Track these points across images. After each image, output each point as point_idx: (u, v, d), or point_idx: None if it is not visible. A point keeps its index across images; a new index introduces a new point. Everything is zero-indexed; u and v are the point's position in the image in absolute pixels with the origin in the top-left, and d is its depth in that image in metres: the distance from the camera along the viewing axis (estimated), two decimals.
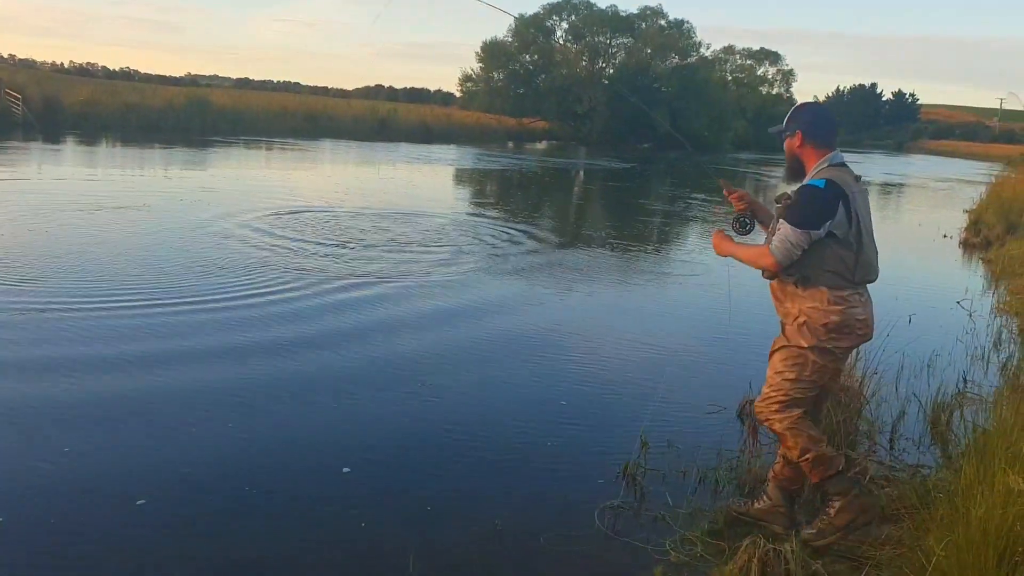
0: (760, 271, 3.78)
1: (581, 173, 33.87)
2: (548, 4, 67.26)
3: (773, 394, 3.76)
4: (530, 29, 65.88)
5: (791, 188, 3.79)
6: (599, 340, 7.47)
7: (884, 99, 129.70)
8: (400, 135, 43.19)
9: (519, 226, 14.31)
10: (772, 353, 3.85)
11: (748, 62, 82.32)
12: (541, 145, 56.10)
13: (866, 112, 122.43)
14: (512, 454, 4.80)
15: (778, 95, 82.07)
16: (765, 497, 4.01)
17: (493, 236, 13.02)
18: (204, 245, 10.44)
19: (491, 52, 66.17)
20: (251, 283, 8.48)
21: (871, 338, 3.79)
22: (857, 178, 3.70)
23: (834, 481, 3.72)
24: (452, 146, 40.48)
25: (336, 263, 9.83)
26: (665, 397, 5.83)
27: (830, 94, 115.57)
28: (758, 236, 3.96)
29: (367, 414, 5.30)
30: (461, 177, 26.87)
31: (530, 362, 6.66)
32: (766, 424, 3.87)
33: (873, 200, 27.27)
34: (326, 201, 15.80)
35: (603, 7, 66.37)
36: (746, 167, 43.23)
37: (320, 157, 29.99)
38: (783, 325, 3.80)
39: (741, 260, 3.88)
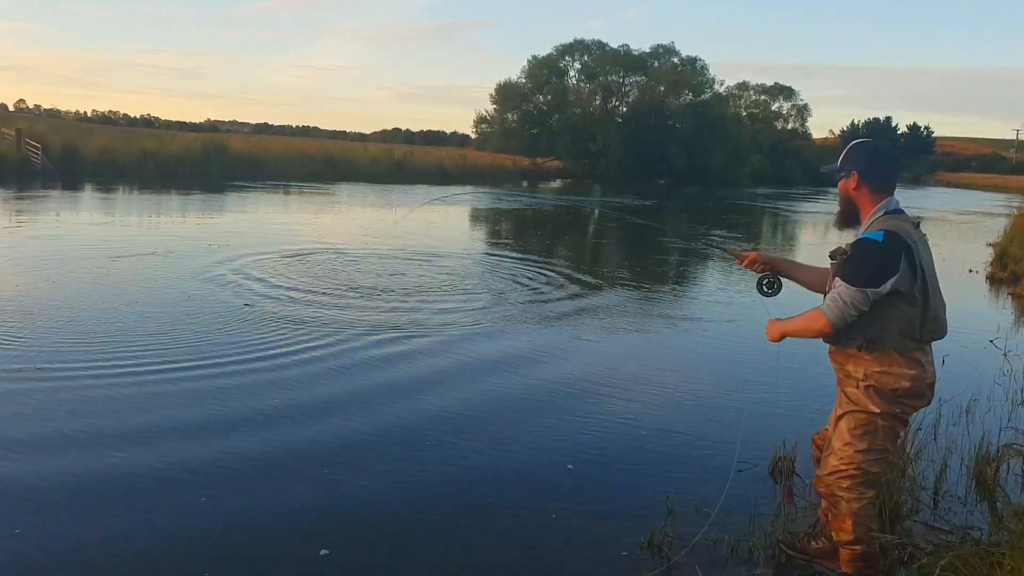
0: (818, 338, 3.46)
1: (596, 211, 33.68)
2: (560, 45, 67.91)
3: (843, 468, 3.46)
4: (543, 70, 66.39)
5: (846, 240, 3.49)
6: (621, 392, 7.09)
7: (899, 132, 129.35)
8: (417, 177, 43.27)
9: (535, 268, 14.02)
10: (838, 419, 3.53)
11: (762, 97, 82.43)
12: (556, 184, 56.08)
13: None
14: (527, 522, 4.45)
15: (793, 130, 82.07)
16: (823, 538, 3.75)
17: (511, 278, 12.73)
18: (223, 295, 10.20)
19: (505, 93, 66.64)
20: (273, 339, 8.10)
21: (931, 402, 3.51)
22: (916, 225, 3.41)
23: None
24: (468, 187, 40.41)
25: (354, 312, 9.51)
26: (690, 453, 5.52)
27: (845, 128, 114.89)
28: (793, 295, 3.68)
29: (363, 484, 4.92)
30: (478, 217, 26.73)
31: (548, 418, 6.29)
32: (829, 500, 3.56)
33: None
34: (346, 243, 15.70)
35: (615, 47, 66.88)
36: (764, 202, 42.91)
37: (338, 200, 29.96)
38: (843, 386, 3.49)
39: (795, 335, 3.54)
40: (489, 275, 13.16)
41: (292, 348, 7.81)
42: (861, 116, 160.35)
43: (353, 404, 6.35)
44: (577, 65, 68.07)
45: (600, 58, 66.50)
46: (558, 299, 11.34)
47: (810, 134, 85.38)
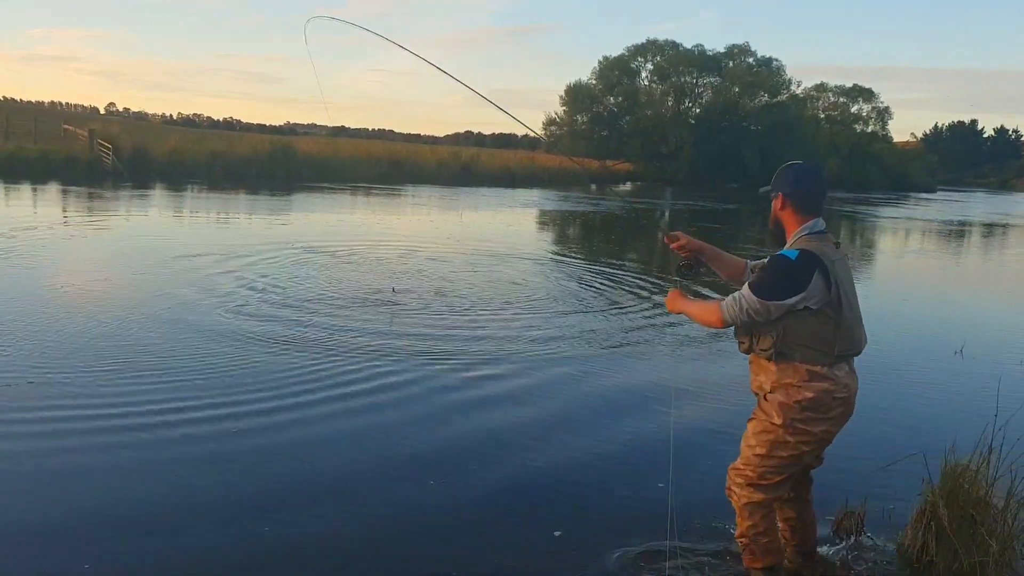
0: (708, 327, 3.70)
1: (667, 214, 32.95)
2: (633, 46, 67.02)
3: (742, 468, 3.62)
4: (614, 71, 65.68)
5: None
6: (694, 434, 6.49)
7: (985, 135, 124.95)
8: (483, 180, 42.98)
9: (603, 277, 13.46)
10: (748, 421, 3.68)
11: (841, 99, 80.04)
12: (625, 187, 55.27)
13: (966, 150, 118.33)
14: None
15: (873, 133, 79.59)
16: None
17: (579, 288, 12.21)
18: (300, 299, 9.88)
19: (574, 95, 66.14)
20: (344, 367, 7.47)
21: (850, 416, 3.52)
22: (837, 245, 3.52)
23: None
24: (535, 190, 39.98)
25: (415, 334, 9.09)
26: None
27: (928, 131, 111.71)
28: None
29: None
30: (544, 220, 26.28)
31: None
32: (728, 494, 3.71)
33: (974, 242, 25.60)
34: (418, 242, 15.33)
35: (689, 47, 65.73)
36: (840, 206, 41.45)
37: (403, 202, 29.84)
38: (757, 394, 3.62)
39: (691, 317, 3.73)
40: (564, 281, 12.67)
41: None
42: (945, 119, 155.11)
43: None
44: (649, 66, 67.20)
45: (673, 59, 65.46)
46: (638, 311, 10.74)
47: (891, 137, 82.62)
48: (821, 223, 3.51)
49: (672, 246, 3.89)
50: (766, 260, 3.55)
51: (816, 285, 3.31)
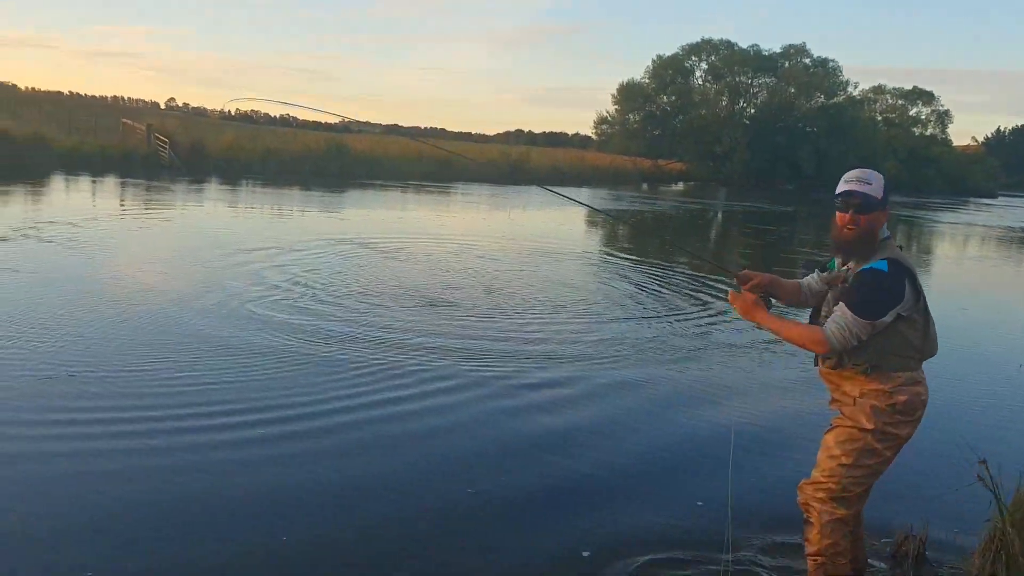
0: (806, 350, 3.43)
1: (720, 215, 32.59)
2: (687, 45, 66.40)
3: (824, 480, 3.44)
4: (668, 70, 65.13)
5: (844, 266, 3.47)
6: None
7: None
8: (532, 178, 42.86)
9: (655, 280, 13.29)
10: (827, 432, 3.51)
11: (900, 102, 78.67)
12: (677, 187, 54.79)
13: None
14: None
15: (932, 136, 78.00)
16: None
17: (635, 291, 12.08)
18: (349, 295, 9.88)
19: (627, 94, 65.79)
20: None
21: None
22: (900, 248, 3.40)
23: None
24: (584, 189, 39.76)
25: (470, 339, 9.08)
26: None
27: (989, 135, 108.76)
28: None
29: None
30: (594, 220, 26.08)
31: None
32: (804, 509, 3.53)
33: None
34: (461, 242, 15.32)
35: (744, 47, 64.93)
36: (898, 210, 40.57)
37: (453, 199, 29.91)
38: (838, 403, 3.49)
39: (780, 336, 3.50)
40: (616, 282, 12.54)
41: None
42: (1008, 122, 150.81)
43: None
44: (704, 65, 66.56)
45: (728, 58, 64.73)
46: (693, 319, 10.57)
47: (950, 141, 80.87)
48: (886, 229, 3.42)
49: (743, 288, 3.67)
50: (843, 275, 3.41)
51: (907, 294, 3.25)
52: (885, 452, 3.38)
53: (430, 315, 9.10)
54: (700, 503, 4.71)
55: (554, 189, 5.01)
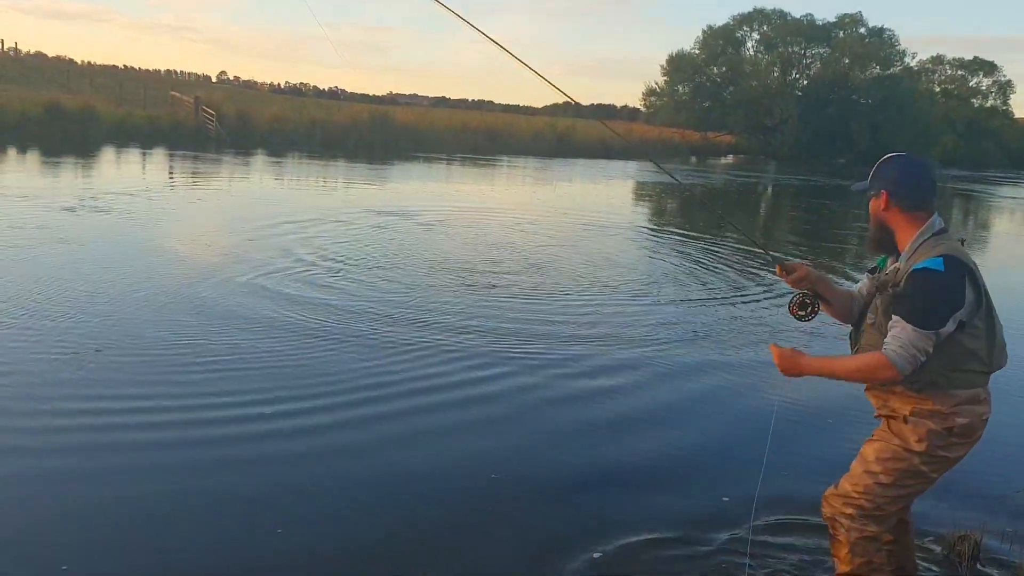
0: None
1: (770, 189, 31.98)
2: (739, 15, 64.94)
3: (855, 495, 3.04)
4: (718, 40, 63.89)
5: (892, 265, 3.00)
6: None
7: None
8: (578, 151, 42.41)
9: (707, 257, 12.98)
10: (867, 442, 3.10)
11: (959, 72, 76.19)
12: (727, 160, 53.90)
13: None
14: None
15: (993, 107, 75.58)
16: None
17: (693, 267, 11.82)
18: (389, 269, 9.79)
19: (676, 65, 64.64)
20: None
21: None
22: (962, 242, 2.96)
23: None
24: (631, 162, 39.25)
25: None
26: None
27: None
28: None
29: None
30: (641, 193, 25.73)
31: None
32: (830, 523, 3.16)
33: None
34: (507, 216, 15.14)
35: (798, 16, 63.35)
36: (955, 184, 39.45)
37: (498, 172, 29.71)
38: (885, 416, 3.05)
39: (839, 378, 3.04)
40: (667, 259, 12.29)
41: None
42: None
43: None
44: (755, 36, 65.07)
45: (780, 28, 63.18)
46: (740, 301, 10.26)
47: (1012, 112, 78.20)
48: (940, 220, 2.96)
49: (786, 280, 3.22)
50: (890, 277, 2.95)
51: (968, 296, 2.79)
52: (931, 475, 2.99)
53: (478, 294, 8.95)
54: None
55: (661, 165, 4.75)
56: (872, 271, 3.15)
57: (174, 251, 10.13)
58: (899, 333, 2.79)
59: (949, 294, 2.77)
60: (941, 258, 2.78)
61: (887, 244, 3.05)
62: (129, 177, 18.75)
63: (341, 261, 9.99)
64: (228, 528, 3.79)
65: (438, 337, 6.96)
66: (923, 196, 2.95)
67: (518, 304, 8.46)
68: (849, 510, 3.06)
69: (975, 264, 2.85)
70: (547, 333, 7.40)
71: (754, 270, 11.36)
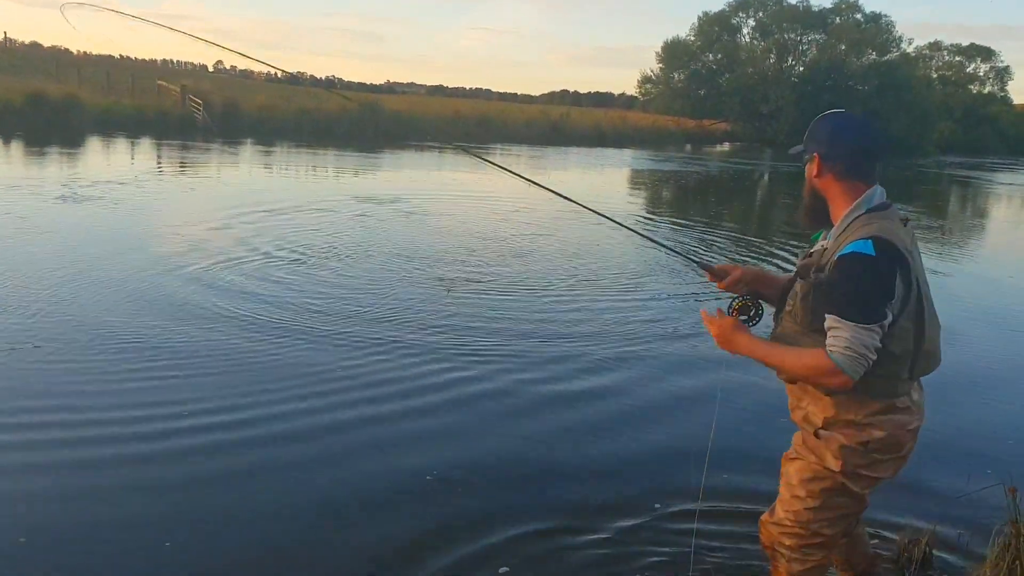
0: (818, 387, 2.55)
1: (767, 176, 31.62)
2: (734, 1, 64.37)
3: (789, 524, 2.69)
4: (714, 27, 63.46)
5: (821, 243, 2.60)
6: None
7: None
8: (572, 139, 42.01)
9: (698, 243, 12.65)
10: (789, 460, 2.74)
11: (957, 59, 75.92)
12: (722, 147, 53.57)
13: None
14: None
15: (990, 94, 75.37)
16: None
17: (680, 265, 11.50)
18: (366, 259, 9.45)
19: (672, 52, 64.19)
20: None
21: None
22: (905, 223, 2.51)
23: None
24: (626, 150, 38.84)
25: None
26: None
27: None
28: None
29: None
30: (637, 182, 25.38)
31: None
32: (769, 552, 2.80)
33: None
34: (493, 203, 14.80)
35: (794, 2, 62.83)
36: (953, 170, 39.13)
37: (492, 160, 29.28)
38: (800, 426, 2.68)
39: (776, 367, 2.58)
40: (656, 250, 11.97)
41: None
42: None
43: None
44: (751, 22, 64.53)
45: (776, 14, 62.68)
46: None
47: (1010, 99, 78.00)
48: (881, 192, 2.53)
49: (719, 286, 2.84)
50: (813, 259, 2.56)
51: (897, 290, 2.36)
52: (865, 490, 2.63)
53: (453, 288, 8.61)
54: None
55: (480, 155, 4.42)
56: (805, 270, 2.63)
57: (137, 239, 9.76)
58: (839, 333, 2.36)
59: (881, 280, 2.35)
60: (871, 240, 2.35)
61: (821, 216, 2.63)
62: (111, 167, 18.37)
63: (304, 251, 9.62)
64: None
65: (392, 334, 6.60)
66: (860, 161, 2.52)
67: (494, 298, 8.15)
68: (788, 541, 2.71)
69: (913, 252, 2.45)
70: (537, 322, 7.11)
71: (744, 259, 11.05)
